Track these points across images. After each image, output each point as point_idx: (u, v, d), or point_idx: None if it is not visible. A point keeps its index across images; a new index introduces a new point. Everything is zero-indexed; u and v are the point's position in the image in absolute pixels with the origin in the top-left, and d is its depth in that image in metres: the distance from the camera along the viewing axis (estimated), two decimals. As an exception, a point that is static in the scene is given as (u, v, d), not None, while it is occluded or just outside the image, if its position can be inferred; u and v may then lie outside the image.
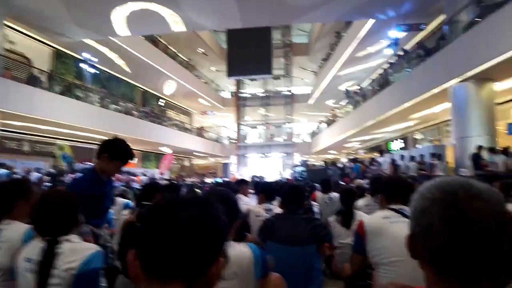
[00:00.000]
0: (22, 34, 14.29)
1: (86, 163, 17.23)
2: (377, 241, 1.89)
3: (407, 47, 13.77)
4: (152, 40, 19.90)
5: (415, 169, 10.36)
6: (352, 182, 9.31)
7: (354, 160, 14.10)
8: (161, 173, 18.51)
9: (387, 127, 16.25)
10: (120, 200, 5.14)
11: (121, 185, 11.21)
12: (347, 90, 21.35)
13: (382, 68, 16.52)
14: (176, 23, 13.42)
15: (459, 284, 0.67)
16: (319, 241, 2.39)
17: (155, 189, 2.99)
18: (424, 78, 10.39)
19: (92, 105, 15.16)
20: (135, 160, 23.01)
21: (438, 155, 10.20)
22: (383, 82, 14.57)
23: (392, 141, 20.05)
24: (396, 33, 12.55)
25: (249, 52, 18.17)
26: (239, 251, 1.44)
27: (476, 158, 8.14)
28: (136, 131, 17.02)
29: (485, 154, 8.30)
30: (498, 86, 9.08)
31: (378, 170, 11.39)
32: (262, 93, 27.80)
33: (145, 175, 17.03)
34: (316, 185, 7.29)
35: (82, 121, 13.75)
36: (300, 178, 13.82)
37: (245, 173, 22.13)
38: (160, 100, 24.97)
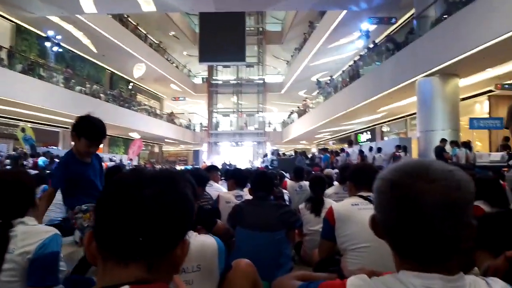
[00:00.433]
0: (-23, 7, 13.27)
1: (50, 146, 16.50)
2: (346, 228, 1.91)
3: (378, 40, 14.07)
4: (121, 20, 19.05)
5: (381, 161, 10.70)
6: (322, 172, 9.48)
7: (324, 150, 14.36)
8: (130, 159, 18.07)
9: (356, 119, 16.65)
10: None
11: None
12: (318, 80, 21.62)
13: (353, 60, 16.81)
14: (146, 3, 12.92)
15: (419, 265, 0.67)
16: (288, 227, 2.40)
17: (118, 173, 2.87)
18: (393, 72, 10.66)
19: (56, 86, 14.43)
20: (101, 146, 22.25)
21: (404, 147, 10.56)
22: (353, 74, 14.85)
23: (362, 133, 20.62)
24: (367, 26, 12.79)
25: (222, 37, 17.91)
26: (202, 242, 1.39)
27: (440, 151, 8.48)
28: (103, 115, 15.95)
29: (448, 147, 8.66)
30: (462, 82, 9.46)
31: (347, 160, 11.66)
32: (234, 80, 27.52)
33: (112, 160, 16.54)
34: (286, 174, 7.38)
35: (45, 102, 13.04)
36: (270, 167, 13.93)
37: (217, 161, 22.03)
38: (130, 83, 24.15)
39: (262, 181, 2.57)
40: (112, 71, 22.77)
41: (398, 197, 0.68)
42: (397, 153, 10.44)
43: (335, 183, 4.55)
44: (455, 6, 8.35)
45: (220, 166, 14.52)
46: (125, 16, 19.63)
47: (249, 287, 1.52)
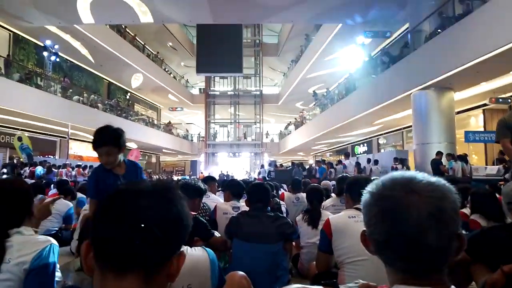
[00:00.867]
0: (-25, 16, 13.32)
1: (47, 155, 16.38)
2: (343, 240, 1.91)
3: (373, 53, 14.24)
4: (119, 30, 19.18)
5: (378, 173, 10.73)
6: (319, 183, 9.45)
7: (322, 162, 14.36)
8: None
9: (353, 131, 16.73)
10: (80, 196, 4.96)
11: (83, 180, 10.76)
12: (314, 92, 21.78)
13: (349, 73, 16.99)
14: (144, 14, 13.02)
15: (411, 279, 0.67)
16: (285, 239, 2.39)
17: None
18: (388, 85, 10.77)
19: (54, 95, 14.39)
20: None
21: (401, 160, 10.59)
22: (349, 87, 14.98)
23: (359, 145, 20.70)
24: (362, 39, 12.97)
25: (220, 49, 18.05)
26: (194, 259, 1.32)
27: (437, 164, 8.49)
28: (101, 125, 16.06)
29: (444, 160, 8.69)
30: (457, 95, 9.55)
31: (343, 172, 11.68)
32: (231, 91, 27.66)
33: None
34: (284, 185, 7.36)
35: (42, 111, 13.01)
36: (267, 178, 13.91)
37: (214, 172, 21.95)
38: (128, 93, 24.18)
39: (257, 192, 2.55)
40: (110, 81, 22.81)
41: (384, 210, 0.69)
42: (394, 166, 10.48)
43: (333, 194, 4.54)
44: (449, 21, 8.50)
45: (217, 177, 14.46)
46: (123, 26, 19.77)
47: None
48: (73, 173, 12.79)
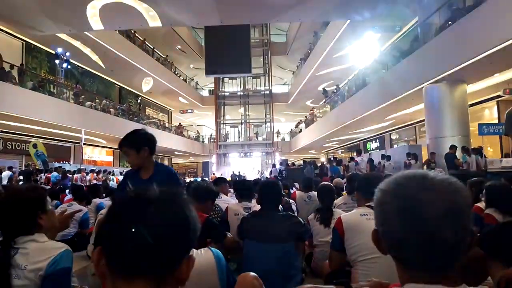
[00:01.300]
0: (-11, 27, 13.67)
1: (63, 162, 16.71)
2: (355, 238, 1.90)
3: (383, 48, 14.07)
4: (128, 35, 19.46)
5: (390, 169, 10.57)
6: (331, 181, 9.38)
7: (334, 160, 14.21)
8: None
9: (364, 127, 16.56)
10: (96, 201, 5.04)
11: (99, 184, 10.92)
12: (324, 89, 21.63)
13: (359, 68, 16.83)
14: (152, 18, 13.16)
15: (424, 274, 0.68)
16: (297, 238, 2.37)
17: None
18: (399, 79, 10.62)
19: (67, 102, 14.67)
20: (111, 159, 22.49)
21: (414, 155, 10.43)
22: (359, 83, 14.83)
23: (371, 141, 20.49)
24: (371, 34, 12.82)
25: (228, 50, 18.06)
26: (200, 261, 1.31)
27: (451, 158, 8.34)
28: (113, 129, 16.58)
29: (458, 154, 8.53)
30: (470, 88, 9.38)
31: (355, 169, 11.55)
32: (241, 91, 27.71)
33: (123, 174, 16.63)
34: (295, 184, 7.34)
35: (55, 118, 13.28)
36: (279, 177, 13.88)
37: (226, 172, 22.02)
38: (138, 97, 24.48)
39: (267, 192, 2.52)
40: (121, 86, 23.14)
41: (400, 208, 0.68)
42: (407, 161, 10.33)
43: (344, 192, 4.51)
44: (459, 13, 8.33)
45: (229, 178, 14.49)
46: (132, 31, 20.05)
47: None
48: (88, 178, 13.01)
